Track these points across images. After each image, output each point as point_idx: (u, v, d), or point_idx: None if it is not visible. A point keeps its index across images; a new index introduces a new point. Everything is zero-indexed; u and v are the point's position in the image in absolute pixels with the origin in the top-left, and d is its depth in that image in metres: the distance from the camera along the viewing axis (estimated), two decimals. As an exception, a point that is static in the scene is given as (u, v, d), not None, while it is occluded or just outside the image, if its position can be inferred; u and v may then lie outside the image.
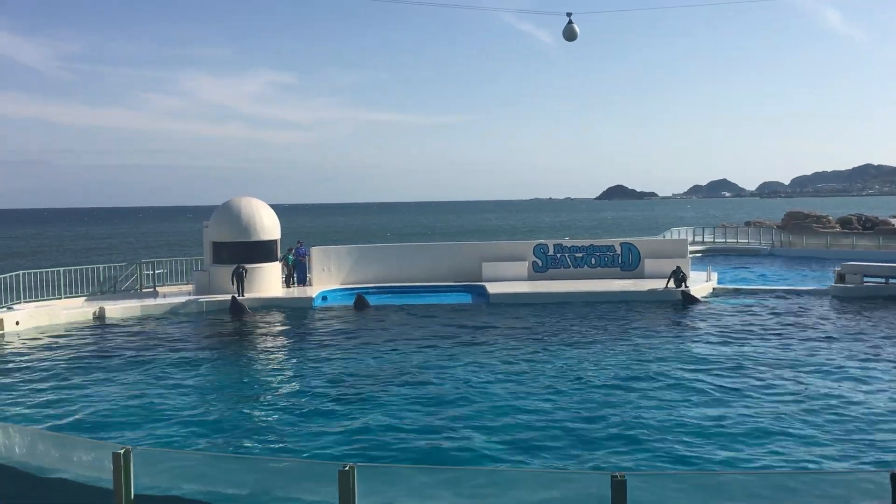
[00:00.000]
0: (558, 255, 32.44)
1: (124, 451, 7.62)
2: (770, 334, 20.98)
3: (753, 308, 25.53)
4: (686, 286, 27.86)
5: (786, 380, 15.98)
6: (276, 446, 12.59)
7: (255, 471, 7.75)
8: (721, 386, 15.57)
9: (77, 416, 14.33)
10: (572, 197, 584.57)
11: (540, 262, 32.31)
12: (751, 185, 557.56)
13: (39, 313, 24.45)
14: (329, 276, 31.13)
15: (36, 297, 26.15)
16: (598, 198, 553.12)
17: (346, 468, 6.84)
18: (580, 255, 32.51)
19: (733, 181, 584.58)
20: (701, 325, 22.92)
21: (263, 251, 29.62)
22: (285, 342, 22.09)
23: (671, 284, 27.98)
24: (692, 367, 17.33)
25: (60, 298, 26.67)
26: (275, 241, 30.31)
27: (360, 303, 27.19)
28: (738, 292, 29.08)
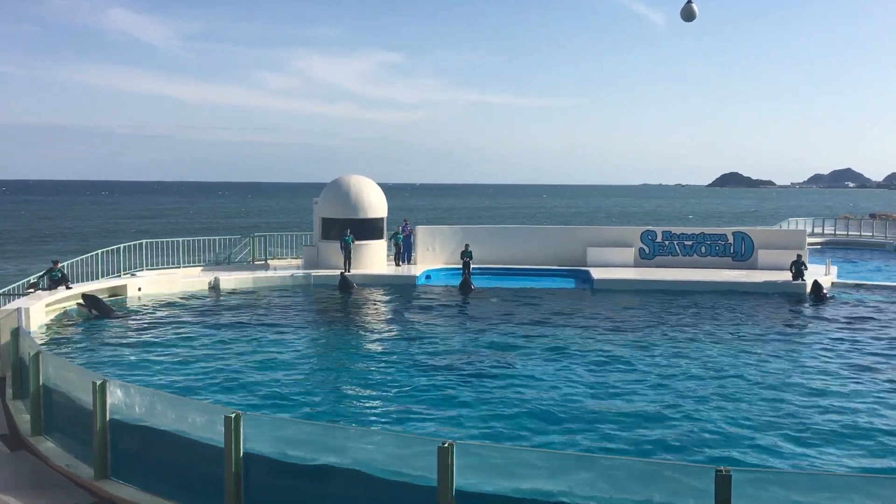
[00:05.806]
0: (666, 243, 31.61)
1: (235, 416, 7.96)
2: (893, 332, 19.83)
3: (876, 305, 24.18)
4: (804, 279, 26.66)
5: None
6: (376, 420, 12.85)
7: (356, 442, 7.91)
8: (845, 386, 14.87)
9: (190, 379, 15.05)
10: (683, 183, 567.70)
11: (647, 249, 31.57)
12: (878, 176, 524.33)
13: (160, 280, 25.75)
14: (434, 256, 31.41)
15: (157, 265, 27.57)
16: (710, 185, 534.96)
17: (446, 445, 6.90)
18: (690, 242, 31.57)
19: (858, 171, 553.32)
20: (820, 320, 21.88)
21: (370, 228, 30.16)
22: (388, 318, 22.46)
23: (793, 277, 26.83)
24: (810, 364, 16.61)
25: (179, 267, 28.02)
26: (381, 219, 30.79)
27: (464, 284, 27.29)
28: (858, 287, 27.59)
